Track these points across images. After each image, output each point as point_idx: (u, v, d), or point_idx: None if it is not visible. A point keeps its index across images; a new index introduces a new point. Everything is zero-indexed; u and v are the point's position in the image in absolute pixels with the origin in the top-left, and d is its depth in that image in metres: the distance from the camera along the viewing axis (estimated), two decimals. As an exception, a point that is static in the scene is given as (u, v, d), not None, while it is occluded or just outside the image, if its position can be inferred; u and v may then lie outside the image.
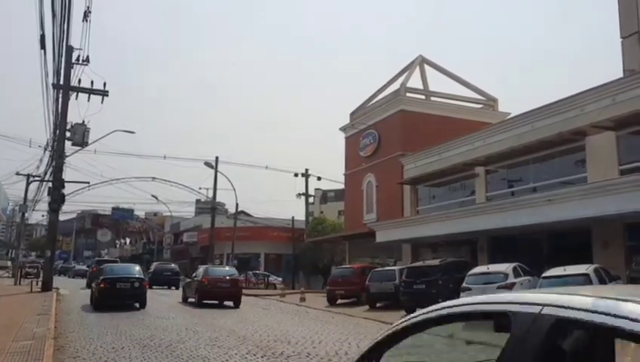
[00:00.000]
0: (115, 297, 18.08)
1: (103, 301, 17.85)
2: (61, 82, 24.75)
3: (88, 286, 26.80)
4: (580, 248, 17.62)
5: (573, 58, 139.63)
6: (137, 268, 20.48)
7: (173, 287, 32.21)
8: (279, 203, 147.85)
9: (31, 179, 41.61)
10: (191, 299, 21.59)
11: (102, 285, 18.03)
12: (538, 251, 20.21)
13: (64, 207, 30.85)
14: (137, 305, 18.24)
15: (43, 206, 54.96)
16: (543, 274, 14.18)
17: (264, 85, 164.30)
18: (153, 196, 51.55)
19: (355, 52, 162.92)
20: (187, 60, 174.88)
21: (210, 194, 45.77)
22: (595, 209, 15.40)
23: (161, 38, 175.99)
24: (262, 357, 9.72)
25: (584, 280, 12.88)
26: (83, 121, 26.63)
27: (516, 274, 15.75)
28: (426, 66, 33.76)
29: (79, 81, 25.37)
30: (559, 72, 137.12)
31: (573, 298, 1.74)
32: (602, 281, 13.29)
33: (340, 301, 23.07)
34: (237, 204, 39.79)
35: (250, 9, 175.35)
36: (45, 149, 31.79)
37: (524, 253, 19.76)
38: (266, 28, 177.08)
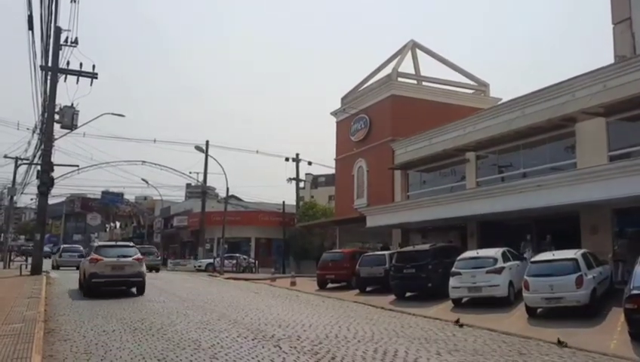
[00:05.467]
0: None
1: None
2: (49, 64, 24.48)
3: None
4: (569, 233, 17.79)
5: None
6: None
7: None
8: (270, 188, 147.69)
9: (19, 162, 41.21)
10: None
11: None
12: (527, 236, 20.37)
13: (53, 191, 30.66)
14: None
15: (32, 189, 54.67)
16: (532, 259, 14.32)
17: (254, 69, 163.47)
18: (143, 180, 51.30)
19: (347, 36, 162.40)
20: (176, 46, 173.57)
21: (201, 179, 45.72)
22: (583, 194, 15.51)
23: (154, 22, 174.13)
24: (252, 339, 9.76)
25: (572, 264, 13.03)
26: (72, 104, 26.40)
27: (505, 259, 15.86)
28: (418, 51, 33.66)
29: (68, 63, 25.12)
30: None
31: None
32: (590, 266, 13.46)
33: (330, 285, 23.15)
34: (227, 188, 39.74)
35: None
36: (34, 132, 31.38)
37: (514, 238, 19.89)
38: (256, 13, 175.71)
